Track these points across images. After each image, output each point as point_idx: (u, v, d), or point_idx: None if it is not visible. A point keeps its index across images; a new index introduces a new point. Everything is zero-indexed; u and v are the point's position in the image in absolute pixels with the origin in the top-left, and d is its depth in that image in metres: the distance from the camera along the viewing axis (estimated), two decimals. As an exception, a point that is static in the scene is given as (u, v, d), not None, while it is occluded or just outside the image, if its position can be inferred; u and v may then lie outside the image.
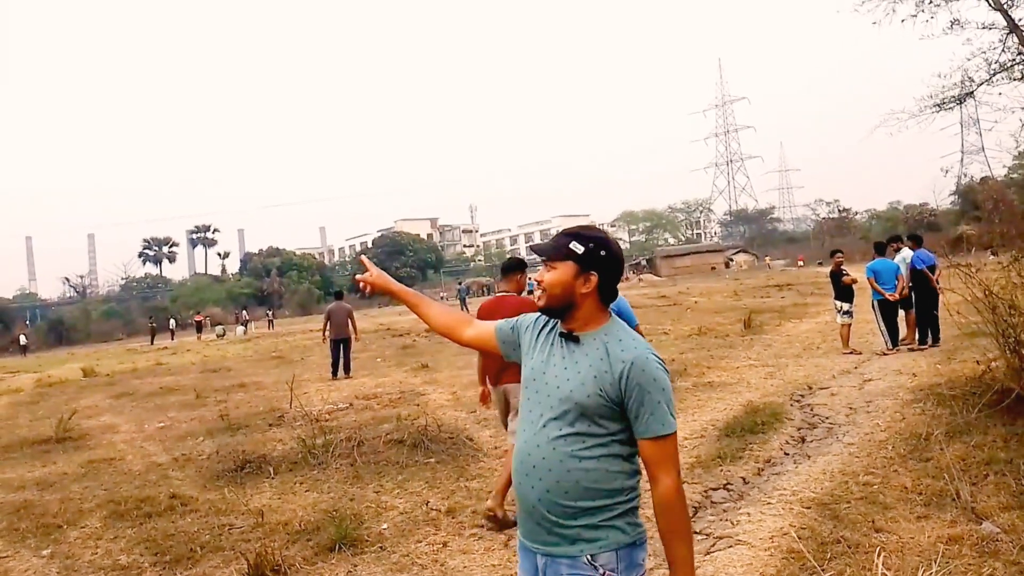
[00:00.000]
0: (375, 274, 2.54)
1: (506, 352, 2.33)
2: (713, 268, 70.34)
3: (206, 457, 7.72)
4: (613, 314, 2.13)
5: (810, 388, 8.88)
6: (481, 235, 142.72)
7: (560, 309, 2.08)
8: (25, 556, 5.20)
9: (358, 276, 2.57)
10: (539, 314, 2.21)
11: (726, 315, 19.19)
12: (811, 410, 7.70)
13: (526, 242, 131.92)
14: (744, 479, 5.58)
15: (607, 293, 2.09)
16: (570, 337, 2.08)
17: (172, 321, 47.40)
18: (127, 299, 79.42)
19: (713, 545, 4.35)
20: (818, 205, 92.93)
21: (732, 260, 77.35)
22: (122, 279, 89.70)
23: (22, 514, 6.20)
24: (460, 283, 54.79)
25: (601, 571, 1.95)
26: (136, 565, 4.81)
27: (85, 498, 6.57)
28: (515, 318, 2.34)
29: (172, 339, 42.59)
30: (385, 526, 5.16)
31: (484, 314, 5.57)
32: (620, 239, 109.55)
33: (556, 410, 2.01)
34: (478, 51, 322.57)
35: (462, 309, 37.92)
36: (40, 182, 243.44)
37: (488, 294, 70.64)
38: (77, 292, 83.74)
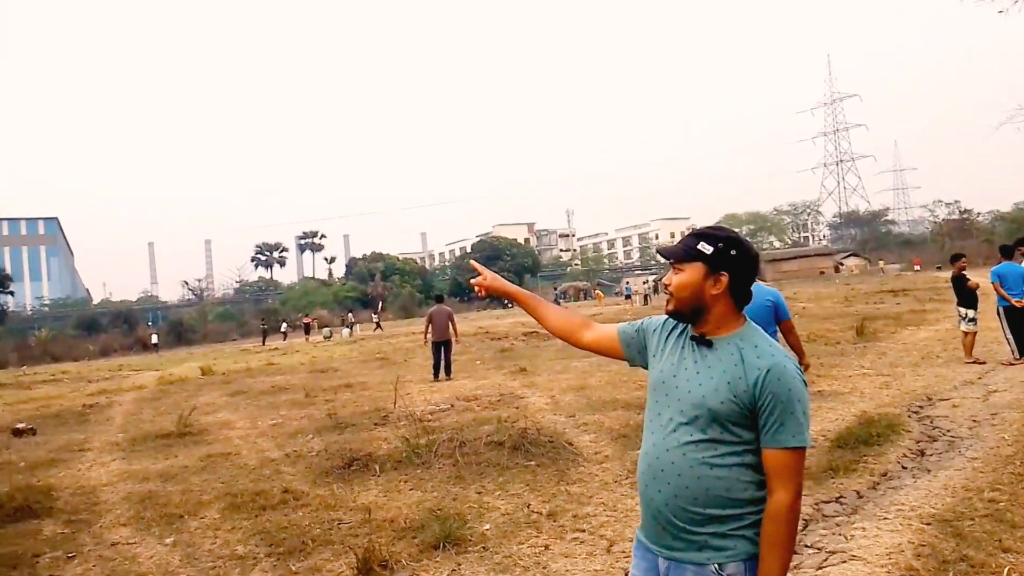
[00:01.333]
0: (489, 277, 2.54)
1: (630, 356, 2.28)
2: (822, 272, 67.61)
3: (315, 454, 8.01)
4: (748, 318, 2.08)
5: (929, 399, 8.42)
6: (578, 239, 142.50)
7: (690, 313, 2.03)
8: (150, 543, 5.52)
9: (472, 280, 2.56)
10: (665, 316, 2.15)
11: (836, 321, 18.41)
12: (931, 422, 7.31)
13: (624, 246, 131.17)
14: (858, 492, 5.35)
15: (740, 295, 2.02)
16: (702, 341, 2.02)
17: (284, 324, 49.41)
18: (241, 302, 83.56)
19: (825, 560, 4.19)
20: (936, 206, 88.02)
21: (842, 264, 74.17)
22: (236, 283, 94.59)
23: (147, 504, 6.59)
24: (556, 288, 54.76)
25: None
26: (252, 555, 5.04)
27: (204, 490, 6.92)
28: (640, 320, 2.28)
29: (284, 340, 44.38)
30: (487, 526, 5.21)
31: None
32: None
33: (687, 415, 1.97)
34: (573, 54, 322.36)
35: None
36: (162, 191, 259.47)
37: (586, 298, 70.36)
38: (195, 295, 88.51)
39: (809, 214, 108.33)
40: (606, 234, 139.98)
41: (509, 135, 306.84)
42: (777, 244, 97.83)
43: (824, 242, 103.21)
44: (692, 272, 1.99)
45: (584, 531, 4.97)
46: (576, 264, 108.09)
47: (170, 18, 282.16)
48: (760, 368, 1.90)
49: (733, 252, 1.98)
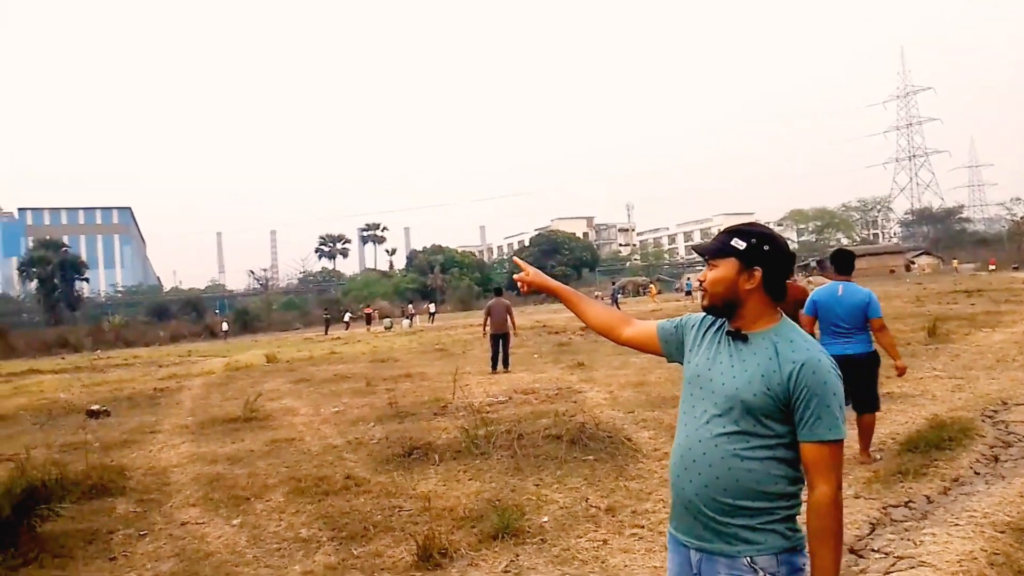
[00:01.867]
0: (531, 273, 2.58)
1: (668, 352, 2.32)
2: (892, 271, 65.45)
3: (376, 442, 8.15)
4: (784, 315, 2.10)
5: (1005, 403, 8.09)
6: (638, 234, 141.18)
7: (723, 307, 2.07)
8: (218, 524, 5.70)
9: (515, 276, 2.62)
10: (704, 313, 2.20)
11: (907, 322, 17.83)
12: (1006, 427, 7.02)
13: (685, 241, 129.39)
14: (928, 497, 5.18)
15: (775, 290, 2.06)
16: (738, 335, 2.06)
17: (348, 314, 50.12)
18: (304, 292, 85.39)
19: (893, 565, 4.08)
20: (1014, 204, 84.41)
21: (914, 263, 71.75)
22: (300, 273, 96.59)
23: (215, 485, 6.80)
24: (614, 282, 54.43)
25: (762, 574, 1.94)
26: (315, 539, 5.16)
27: (269, 474, 7.10)
28: (678, 318, 2.32)
29: (347, 330, 45.13)
30: (545, 519, 5.22)
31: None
32: (788, 239, 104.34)
33: (721, 407, 2.00)
34: (637, 45, 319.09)
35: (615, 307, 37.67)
36: (230, 183, 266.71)
37: (642, 294, 69.70)
38: (260, 284, 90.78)
39: (879, 211, 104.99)
40: (667, 229, 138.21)
41: (569, 129, 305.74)
42: (845, 241, 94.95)
43: (895, 240, 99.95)
44: (726, 268, 2.04)
45: (643, 527, 4.94)
46: (635, 259, 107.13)
47: (240, 14, 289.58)
48: (795, 362, 1.93)
49: (766, 248, 2.03)
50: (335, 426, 9.49)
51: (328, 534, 5.21)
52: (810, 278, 65.83)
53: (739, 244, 2.04)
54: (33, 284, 67.59)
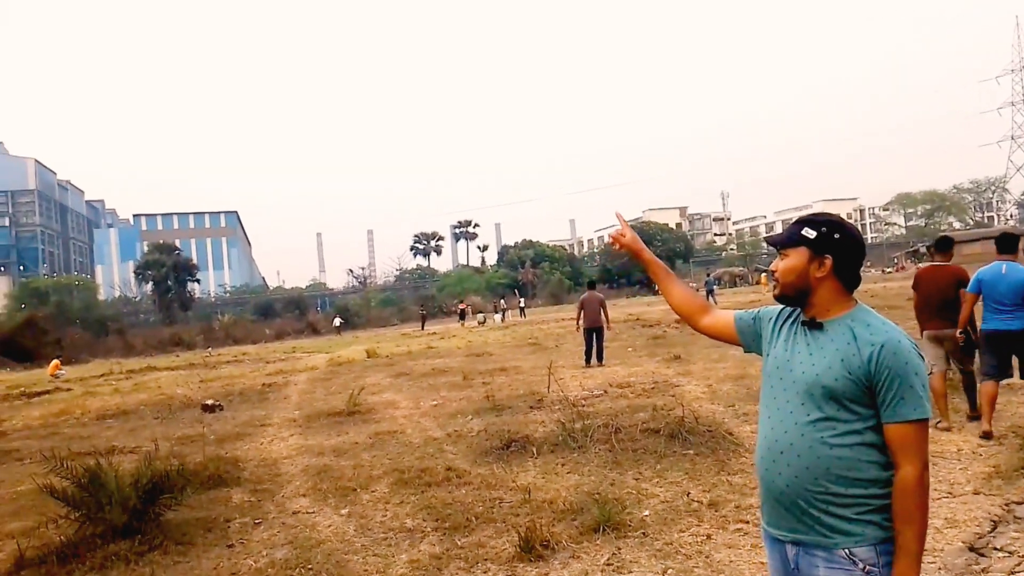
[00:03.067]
0: (629, 235, 2.61)
1: (745, 342, 2.34)
2: (1008, 255, 61.42)
3: (475, 434, 8.27)
4: (858, 300, 2.09)
5: None
6: (733, 223, 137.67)
7: (795, 296, 2.09)
8: (327, 513, 5.92)
9: (611, 233, 2.63)
10: (781, 305, 2.20)
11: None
12: None
13: (783, 229, 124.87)
14: (1057, 495, 4.86)
15: (848, 277, 2.06)
16: (813, 324, 2.07)
17: (461, 308, 50.19)
18: (400, 288, 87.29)
19: (1018, 564, 3.87)
20: None
21: (1032, 246, 67.07)
22: (396, 270, 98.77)
23: (323, 476, 7.07)
24: (709, 274, 53.24)
25: (861, 566, 1.92)
26: (420, 529, 5.29)
27: (374, 466, 7.32)
28: (756, 309, 2.34)
29: (462, 322, 45.52)
30: (647, 513, 5.18)
31: (921, 280, 7.13)
32: (895, 224, 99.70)
33: (803, 396, 2.00)
34: (724, 20, 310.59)
35: (710, 300, 36.90)
36: (329, 186, 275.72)
37: (738, 284, 67.90)
38: (359, 282, 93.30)
39: (994, 192, 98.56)
40: (764, 217, 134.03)
41: (661, 117, 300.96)
42: (957, 225, 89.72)
43: (1011, 222, 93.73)
44: (796, 257, 2.06)
45: (748, 522, 4.83)
46: (731, 249, 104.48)
47: (335, 21, 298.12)
48: (874, 344, 1.93)
49: (836, 236, 2.04)
50: (434, 419, 9.68)
51: (432, 524, 5.33)
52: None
53: (809, 233, 2.05)
54: (149, 286, 71.57)
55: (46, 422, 13.07)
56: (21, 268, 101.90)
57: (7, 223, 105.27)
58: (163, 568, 4.93)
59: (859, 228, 2.19)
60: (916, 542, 1.88)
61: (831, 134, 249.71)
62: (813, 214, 2.14)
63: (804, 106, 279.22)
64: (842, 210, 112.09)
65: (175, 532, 5.56)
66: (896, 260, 71.84)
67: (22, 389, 20.17)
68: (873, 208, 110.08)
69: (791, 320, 2.17)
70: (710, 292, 38.97)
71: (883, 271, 58.88)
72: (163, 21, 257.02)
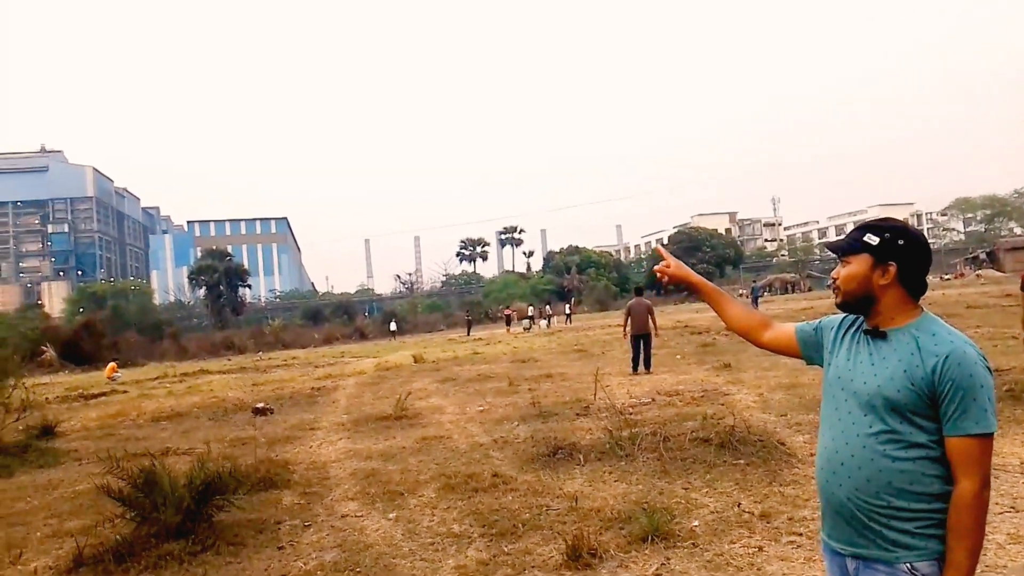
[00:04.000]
0: (673, 264, 2.54)
1: (807, 354, 2.29)
2: (1074, 262, 59.25)
3: (521, 441, 8.25)
4: (924, 308, 2.03)
5: None
6: (785, 228, 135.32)
7: (858, 304, 2.04)
8: (375, 517, 5.95)
9: (656, 267, 2.57)
10: (843, 314, 2.16)
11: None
12: None
13: (837, 235, 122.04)
14: None
15: (913, 285, 2.00)
16: (876, 333, 2.02)
17: (506, 314, 50.11)
18: (447, 294, 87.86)
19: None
20: None
21: (1100, 252, 64.59)
22: (443, 276, 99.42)
23: (371, 480, 7.12)
24: (755, 281, 52.47)
25: None
26: (467, 534, 5.29)
27: (421, 471, 7.35)
28: (818, 320, 2.28)
29: (503, 327, 45.64)
30: (696, 523, 5.10)
31: None
32: (953, 229, 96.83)
33: (865, 407, 1.96)
34: (778, 31, 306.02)
35: (754, 307, 36.24)
36: (376, 193, 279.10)
37: (792, 291, 66.66)
38: (406, 288, 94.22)
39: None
40: (816, 222, 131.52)
41: (709, 122, 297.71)
42: (1018, 230, 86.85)
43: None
44: (859, 264, 2.01)
45: (801, 535, 4.72)
46: (783, 255, 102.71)
47: (382, 27, 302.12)
48: (938, 355, 1.87)
49: (901, 242, 1.98)
50: (481, 424, 9.69)
51: (479, 530, 5.32)
52: (979, 271, 60.87)
53: (872, 239, 2.00)
54: (201, 291, 73.35)
55: (103, 423, 13.44)
56: (80, 273, 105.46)
57: (67, 229, 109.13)
58: (215, 568, 5.01)
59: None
60: (968, 558, 1.83)
61: (885, 138, 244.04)
62: (876, 219, 2.08)
63: (857, 110, 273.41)
64: (898, 215, 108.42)
65: (227, 533, 5.65)
66: (955, 267, 69.85)
67: (80, 391, 20.78)
68: (930, 213, 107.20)
69: (854, 329, 2.11)
70: (755, 300, 38.48)
71: (941, 278, 57.30)
72: (218, 29, 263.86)
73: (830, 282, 2.16)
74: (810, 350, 2.26)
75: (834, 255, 2.12)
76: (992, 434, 1.85)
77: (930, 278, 2.11)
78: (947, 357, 1.86)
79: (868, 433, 1.94)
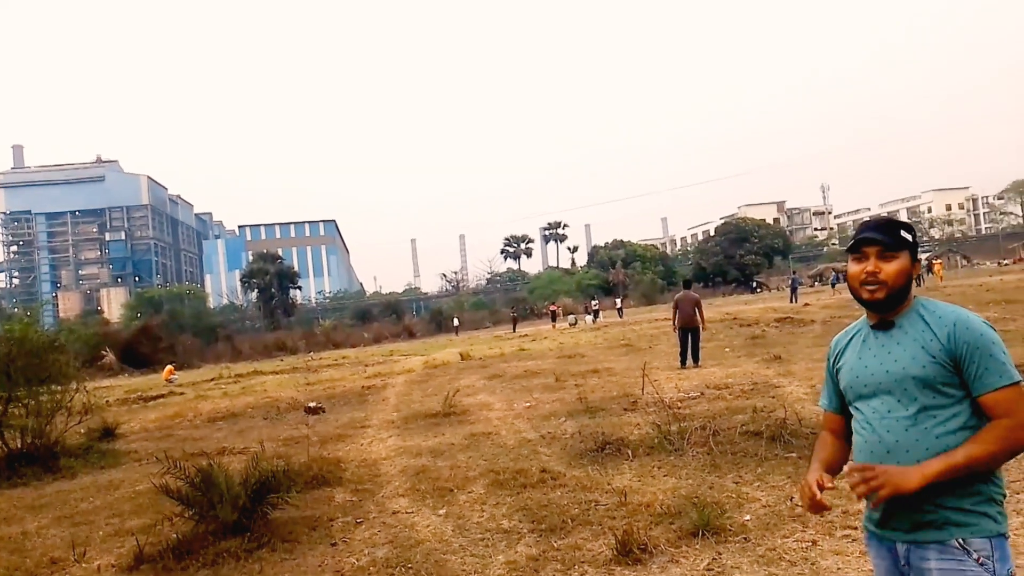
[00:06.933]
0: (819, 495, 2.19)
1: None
2: None
3: (569, 436, 8.25)
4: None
5: None
6: (835, 216, 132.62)
7: (898, 298, 2.08)
8: (425, 513, 6.01)
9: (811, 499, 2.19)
10: (841, 334, 2.27)
11: None
12: None
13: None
14: None
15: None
16: (885, 324, 2.10)
17: (552, 310, 49.80)
18: (492, 291, 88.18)
19: None
20: None
21: None
22: (488, 274, 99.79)
23: (421, 477, 7.19)
24: (794, 272, 51.55)
25: (976, 556, 1.89)
26: (516, 530, 5.31)
27: (470, 467, 7.40)
28: (827, 371, 2.32)
29: (549, 323, 45.60)
30: (748, 517, 5.04)
31: None
32: (1011, 213, 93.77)
33: (897, 391, 2.01)
34: (821, 19, 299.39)
35: (792, 299, 35.94)
36: (422, 193, 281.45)
37: (842, 281, 65.20)
38: (452, 286, 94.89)
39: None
40: (868, 209, 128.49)
41: (754, 111, 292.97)
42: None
43: None
44: (903, 260, 2.08)
45: (855, 528, 4.62)
46: (834, 243, 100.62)
47: (419, 30, 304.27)
48: (946, 324, 1.99)
49: (913, 238, 2.14)
50: (528, 420, 9.71)
51: (528, 526, 5.34)
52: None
53: (908, 237, 2.09)
54: (254, 293, 74.92)
55: (161, 424, 13.83)
56: (136, 279, 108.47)
57: (123, 237, 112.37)
58: (271, 565, 5.12)
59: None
60: (965, 460, 1.88)
61: (940, 120, 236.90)
62: (890, 218, 2.23)
63: (909, 93, 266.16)
64: (953, 200, 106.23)
65: (282, 530, 5.77)
66: (1013, 251, 67.52)
67: (139, 393, 21.41)
68: (987, 197, 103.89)
69: (850, 338, 2.22)
70: (794, 291, 38.88)
71: (999, 263, 55.49)
72: (267, 35, 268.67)
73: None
74: (840, 401, 2.30)
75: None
76: (1018, 383, 1.92)
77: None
78: (955, 324, 1.98)
79: (906, 416, 1.98)
